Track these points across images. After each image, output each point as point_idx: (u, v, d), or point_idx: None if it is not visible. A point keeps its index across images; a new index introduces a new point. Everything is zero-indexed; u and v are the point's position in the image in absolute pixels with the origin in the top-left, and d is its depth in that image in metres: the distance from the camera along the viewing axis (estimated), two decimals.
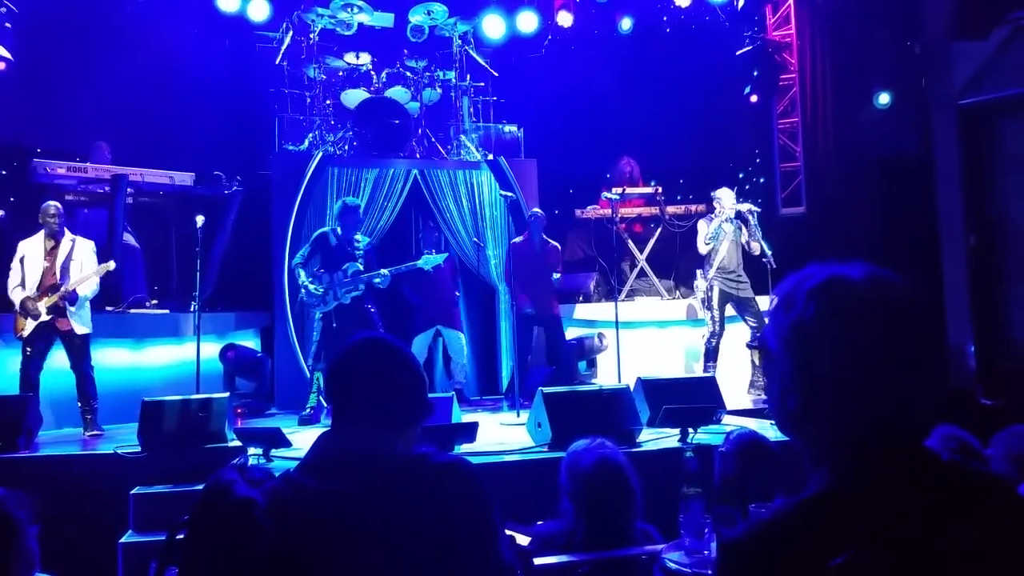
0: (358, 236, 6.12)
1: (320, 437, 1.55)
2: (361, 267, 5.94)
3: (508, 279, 6.88)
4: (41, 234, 5.36)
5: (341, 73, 8.19)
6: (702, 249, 6.73)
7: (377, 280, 5.95)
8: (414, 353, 1.70)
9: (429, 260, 6.17)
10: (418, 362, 1.63)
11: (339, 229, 6.05)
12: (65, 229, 5.43)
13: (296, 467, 1.52)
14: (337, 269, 5.94)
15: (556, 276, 6.95)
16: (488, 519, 1.48)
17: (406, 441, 1.56)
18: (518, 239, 7.09)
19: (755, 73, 8.85)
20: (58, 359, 5.43)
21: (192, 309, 6.25)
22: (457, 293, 7.36)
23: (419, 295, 7.15)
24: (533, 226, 6.97)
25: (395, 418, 1.55)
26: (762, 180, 9.12)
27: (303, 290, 5.96)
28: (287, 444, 4.25)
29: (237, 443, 4.29)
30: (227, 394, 4.83)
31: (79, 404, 5.36)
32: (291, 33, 7.93)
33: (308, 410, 5.94)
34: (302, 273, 5.96)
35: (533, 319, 6.96)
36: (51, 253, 5.33)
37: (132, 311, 6.63)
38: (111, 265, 5.54)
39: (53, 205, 5.41)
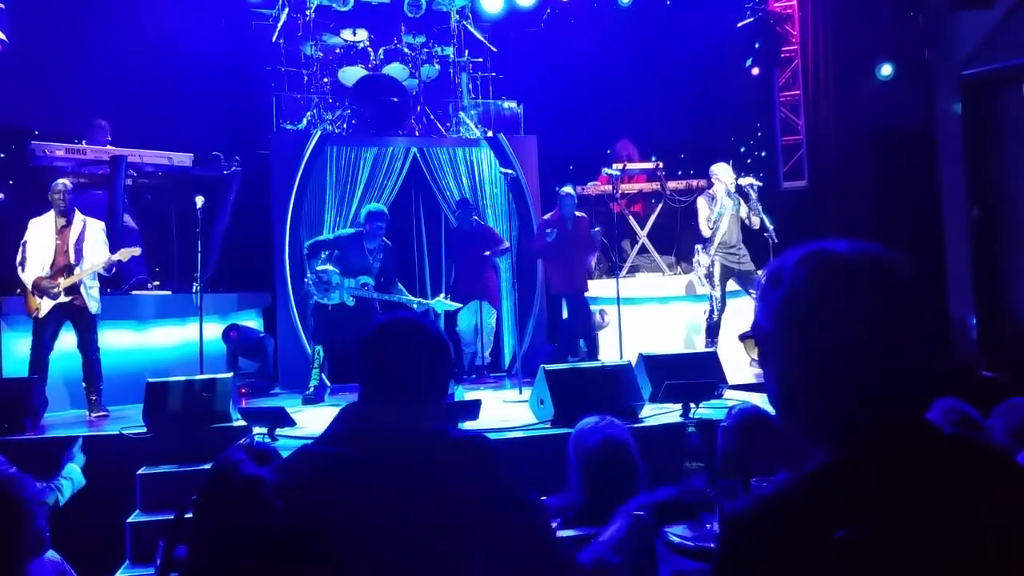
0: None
1: (345, 409, 1.58)
2: (372, 282, 5.99)
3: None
4: (51, 213, 5.34)
5: (338, 50, 8.12)
6: (706, 232, 6.70)
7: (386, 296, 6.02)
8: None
9: (440, 305, 6.20)
10: (446, 338, 1.66)
11: (366, 233, 6.02)
12: (75, 208, 5.41)
13: (319, 438, 1.55)
14: (351, 274, 5.96)
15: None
16: (510, 495, 1.50)
17: (429, 415, 1.60)
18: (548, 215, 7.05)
19: (756, 45, 8.76)
20: (64, 342, 5.44)
21: (194, 290, 6.26)
22: (486, 252, 7.22)
23: (459, 265, 7.14)
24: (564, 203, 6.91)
25: (421, 393, 1.58)
26: (763, 154, 9.07)
27: (312, 275, 5.96)
28: (291, 423, 4.28)
29: (242, 423, 4.31)
30: (231, 374, 4.85)
31: (84, 385, 5.37)
32: (287, 10, 7.85)
33: (311, 389, 5.97)
34: (309, 272, 5.99)
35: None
36: (62, 232, 5.31)
37: (134, 293, 6.64)
38: (136, 251, 5.58)
39: (61, 183, 5.38)
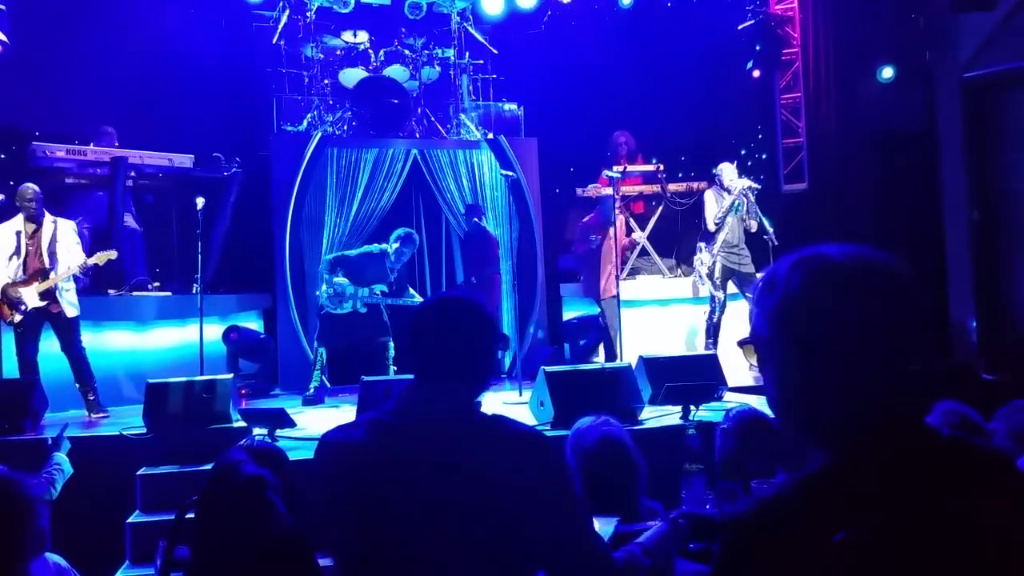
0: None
1: (404, 390, 1.61)
2: (386, 289, 6.02)
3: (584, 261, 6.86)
4: (20, 218, 5.23)
5: (339, 52, 8.13)
6: (712, 227, 6.69)
7: (401, 301, 6.05)
8: None
9: None
10: (494, 316, 1.68)
11: (392, 256, 6.02)
12: (45, 211, 5.30)
13: (385, 409, 1.58)
14: (366, 283, 5.99)
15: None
16: (565, 492, 1.51)
17: (477, 397, 1.64)
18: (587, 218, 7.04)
19: (757, 48, 8.76)
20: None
21: (194, 291, 6.26)
22: (474, 279, 7.26)
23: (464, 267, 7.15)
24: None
25: (471, 373, 1.60)
26: (764, 156, 9.07)
27: (329, 288, 5.97)
28: (292, 424, 4.28)
29: (242, 424, 4.31)
30: (231, 375, 4.85)
31: (78, 387, 5.33)
32: (288, 12, 7.86)
33: (311, 390, 5.98)
34: (324, 284, 6.01)
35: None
36: (33, 237, 5.22)
37: (135, 294, 6.64)
38: (112, 254, 5.48)
39: (31, 188, 5.24)
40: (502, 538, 1.45)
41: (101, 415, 5.27)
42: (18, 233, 5.22)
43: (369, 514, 1.47)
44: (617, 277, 6.59)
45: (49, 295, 5.17)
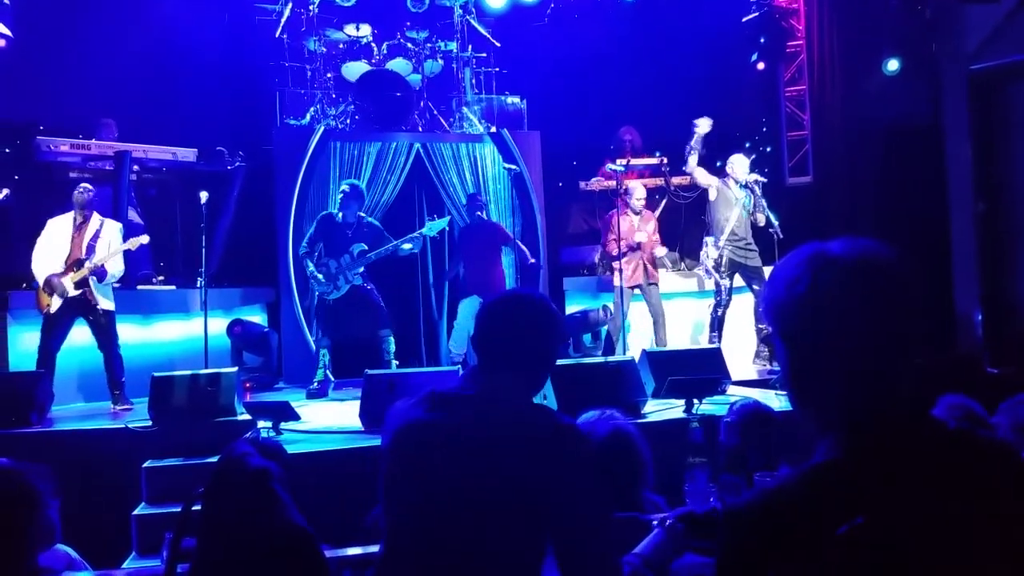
0: (361, 213, 6.18)
1: (465, 373, 1.70)
2: (366, 247, 5.99)
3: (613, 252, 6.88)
4: (70, 213, 5.43)
5: (342, 45, 8.11)
6: (690, 168, 6.66)
7: (395, 248, 6.04)
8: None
9: (433, 226, 6.21)
10: (554, 313, 1.76)
11: (340, 214, 6.09)
12: (94, 211, 5.49)
13: (453, 384, 1.68)
14: (342, 252, 6.00)
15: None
16: (586, 492, 1.54)
17: (535, 386, 1.75)
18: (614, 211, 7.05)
19: (762, 40, 8.73)
20: (78, 336, 5.45)
21: (198, 285, 6.27)
22: (501, 267, 7.23)
23: (466, 260, 7.14)
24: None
25: (529, 366, 1.70)
26: (769, 149, 9.04)
27: (312, 280, 6.05)
28: (296, 417, 4.29)
29: (247, 417, 4.33)
30: (235, 368, 4.86)
31: (108, 381, 5.42)
32: (290, 5, 7.85)
33: (315, 384, 6.00)
34: (310, 264, 6.07)
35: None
36: (79, 230, 5.39)
37: (139, 287, 6.66)
38: (144, 239, 5.63)
39: (85, 187, 5.50)
40: (522, 519, 1.50)
41: (125, 407, 5.32)
42: (51, 234, 5.37)
43: (413, 477, 1.56)
44: (621, 270, 6.57)
45: (83, 283, 5.27)
